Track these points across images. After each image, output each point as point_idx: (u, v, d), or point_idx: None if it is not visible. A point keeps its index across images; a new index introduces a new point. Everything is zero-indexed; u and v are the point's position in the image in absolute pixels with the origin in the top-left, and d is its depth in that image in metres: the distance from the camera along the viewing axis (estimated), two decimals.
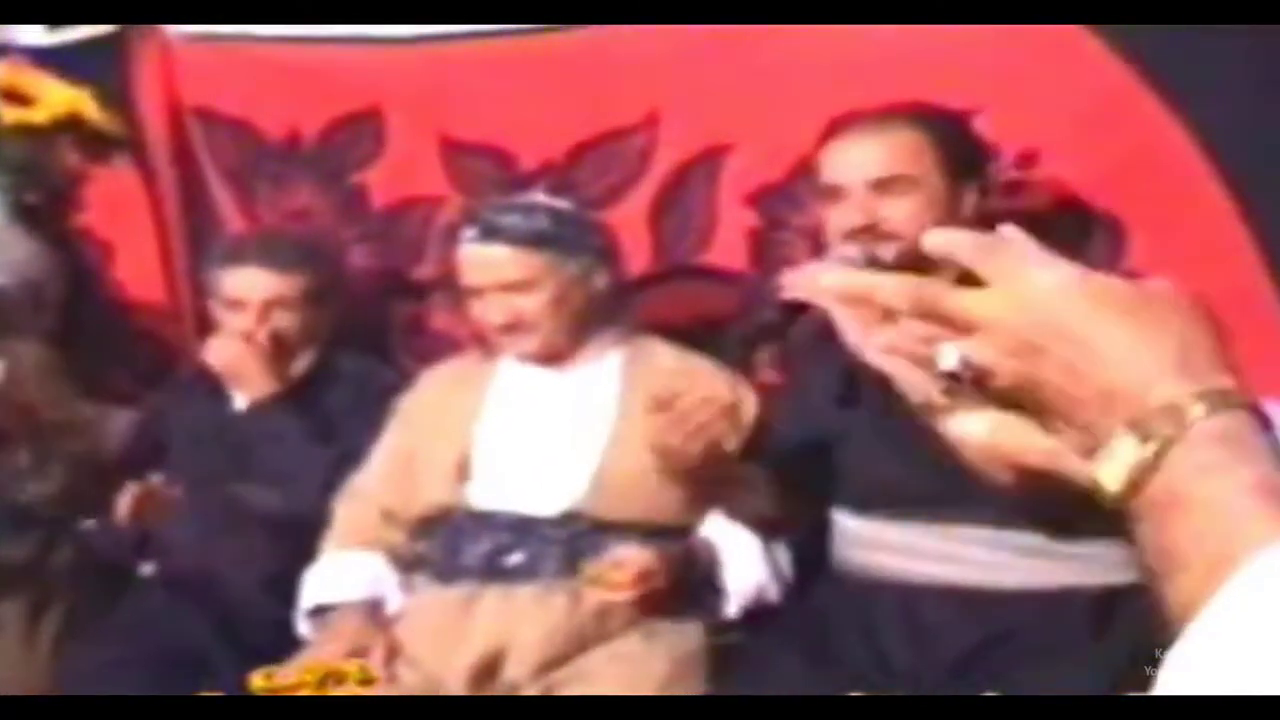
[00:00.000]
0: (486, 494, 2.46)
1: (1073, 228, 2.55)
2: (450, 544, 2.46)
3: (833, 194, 2.30)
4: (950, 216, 2.24)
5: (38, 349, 2.85)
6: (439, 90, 3.01)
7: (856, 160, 2.29)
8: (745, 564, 2.41)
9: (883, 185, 2.25)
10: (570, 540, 2.39)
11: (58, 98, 3.05)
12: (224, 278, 2.87)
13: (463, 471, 2.48)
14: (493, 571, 2.40)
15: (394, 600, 2.52)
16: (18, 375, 2.74)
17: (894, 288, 0.80)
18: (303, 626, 2.54)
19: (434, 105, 3.04)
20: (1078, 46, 2.47)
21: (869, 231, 2.23)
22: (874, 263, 2.19)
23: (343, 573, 2.54)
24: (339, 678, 1.76)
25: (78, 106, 3.06)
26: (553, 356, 2.53)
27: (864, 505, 2.28)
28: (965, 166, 2.29)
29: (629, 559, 2.31)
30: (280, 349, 2.83)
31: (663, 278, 2.89)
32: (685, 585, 2.37)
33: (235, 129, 3.21)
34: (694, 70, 2.78)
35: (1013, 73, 2.56)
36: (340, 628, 2.44)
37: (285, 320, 2.84)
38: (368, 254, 3.18)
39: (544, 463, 2.46)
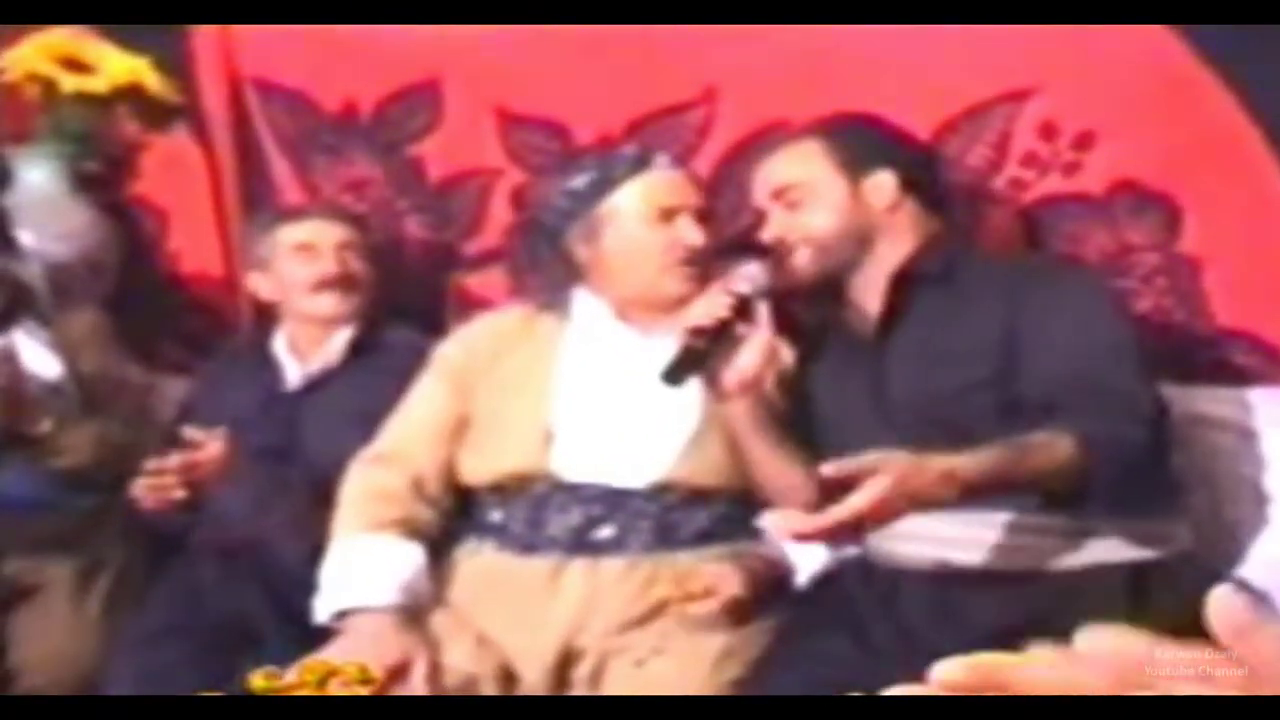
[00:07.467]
0: (574, 463, 2.40)
1: (1128, 209, 2.54)
2: (534, 515, 2.40)
3: (761, 218, 2.40)
4: (859, 211, 2.30)
5: (92, 316, 2.88)
6: (496, 63, 3.00)
7: (761, 179, 2.40)
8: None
9: (780, 194, 2.34)
10: (662, 513, 2.37)
11: (117, 67, 3.07)
12: (290, 230, 2.91)
13: (547, 438, 2.41)
14: (581, 544, 2.36)
15: (426, 593, 2.39)
16: (72, 343, 2.76)
17: None
18: (322, 615, 2.34)
19: (491, 78, 3.03)
20: (1137, 28, 2.44)
21: (782, 244, 2.33)
22: (783, 278, 2.27)
23: (373, 566, 2.36)
24: (339, 677, 1.76)
25: (137, 75, 3.08)
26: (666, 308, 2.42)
27: None
28: (870, 159, 2.32)
29: (706, 570, 2.30)
30: (353, 290, 2.87)
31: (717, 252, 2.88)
32: (763, 594, 2.33)
33: (292, 100, 3.22)
34: (753, 47, 2.76)
35: (1071, 55, 2.54)
36: (374, 637, 2.26)
37: (357, 265, 2.88)
38: (422, 225, 3.18)
39: (632, 429, 2.40)
